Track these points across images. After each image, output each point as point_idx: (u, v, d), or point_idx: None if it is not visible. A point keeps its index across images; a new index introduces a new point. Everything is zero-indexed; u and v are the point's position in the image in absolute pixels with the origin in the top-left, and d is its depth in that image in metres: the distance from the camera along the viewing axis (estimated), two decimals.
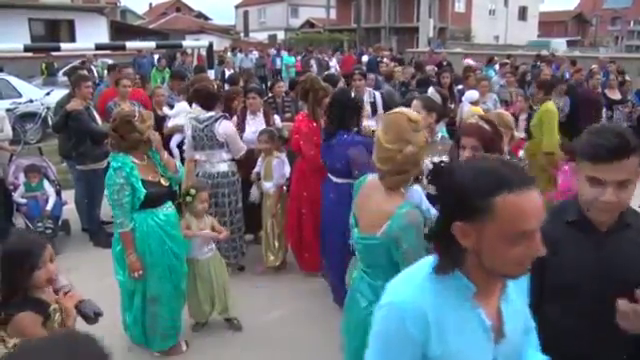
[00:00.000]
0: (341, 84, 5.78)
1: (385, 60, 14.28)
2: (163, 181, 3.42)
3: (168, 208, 3.47)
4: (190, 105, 5.43)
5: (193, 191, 3.67)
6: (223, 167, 4.48)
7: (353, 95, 4.07)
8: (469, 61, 15.27)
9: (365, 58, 17.74)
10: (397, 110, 2.29)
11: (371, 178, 2.34)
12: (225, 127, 4.35)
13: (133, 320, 3.50)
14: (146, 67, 13.19)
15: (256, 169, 4.75)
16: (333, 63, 17.96)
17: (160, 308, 3.47)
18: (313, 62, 17.21)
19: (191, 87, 5.41)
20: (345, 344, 2.41)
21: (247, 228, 4.96)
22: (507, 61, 11.75)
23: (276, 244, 4.77)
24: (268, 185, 4.64)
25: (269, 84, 8.90)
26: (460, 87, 7.60)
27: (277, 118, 5.49)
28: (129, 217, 3.26)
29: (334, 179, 4.01)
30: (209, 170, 4.47)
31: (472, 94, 7.18)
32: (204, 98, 4.44)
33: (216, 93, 4.63)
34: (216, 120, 4.34)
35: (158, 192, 3.37)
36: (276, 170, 4.61)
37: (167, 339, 3.59)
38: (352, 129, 3.92)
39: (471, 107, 6.09)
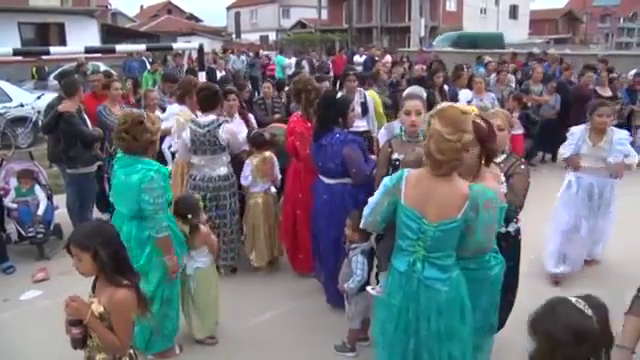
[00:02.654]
0: (326, 84, 5.71)
1: (378, 58, 14.26)
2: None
3: (169, 210, 3.52)
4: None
5: (198, 196, 3.76)
6: (223, 170, 4.49)
7: (339, 95, 4.06)
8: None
9: (358, 58, 17.62)
10: (449, 104, 2.49)
11: (412, 173, 2.50)
12: (228, 131, 4.37)
13: (141, 326, 3.35)
14: (137, 70, 13.09)
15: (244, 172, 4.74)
16: None
17: (170, 309, 3.52)
18: (305, 63, 17.17)
19: (179, 90, 5.39)
20: (414, 336, 2.55)
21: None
22: (490, 59, 11.82)
23: (247, 243, 4.81)
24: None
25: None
26: (449, 87, 7.60)
27: (251, 117, 5.48)
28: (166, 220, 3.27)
29: (326, 180, 3.98)
30: (209, 174, 4.45)
31: (466, 94, 7.22)
32: (208, 98, 4.42)
33: (220, 94, 4.62)
34: (219, 125, 4.33)
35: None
36: (243, 171, 4.66)
37: (167, 340, 3.61)
38: (340, 128, 3.90)
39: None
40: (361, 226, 2.86)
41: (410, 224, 2.46)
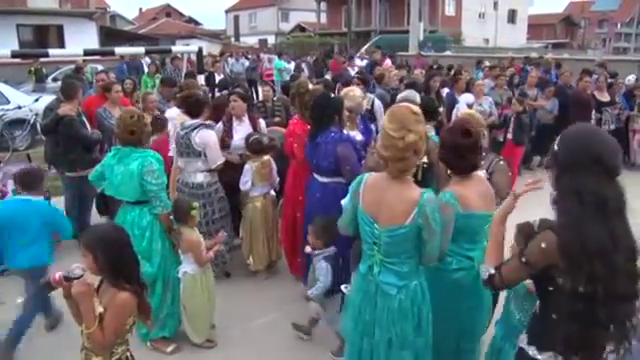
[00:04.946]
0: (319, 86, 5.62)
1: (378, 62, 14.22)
2: None
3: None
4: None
5: (196, 204, 3.75)
6: (199, 178, 4.42)
7: (333, 96, 4.11)
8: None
9: (360, 62, 17.54)
10: (401, 104, 2.52)
11: (370, 177, 2.50)
12: (202, 136, 4.27)
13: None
14: (127, 73, 12.93)
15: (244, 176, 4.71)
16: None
17: (167, 293, 3.67)
18: (304, 66, 17.22)
19: (180, 93, 5.39)
20: (369, 337, 2.54)
21: (236, 232, 5.01)
22: (487, 64, 11.85)
23: (244, 247, 4.83)
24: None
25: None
26: (447, 90, 7.62)
27: (262, 122, 5.48)
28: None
29: (320, 179, 4.03)
30: (186, 179, 4.45)
31: (468, 97, 7.23)
32: (192, 105, 4.44)
33: (204, 100, 4.61)
34: (195, 129, 4.28)
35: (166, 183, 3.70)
36: (243, 176, 4.64)
37: (164, 327, 3.70)
38: (336, 128, 3.93)
39: (467, 110, 6.11)
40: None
41: (365, 228, 2.48)
